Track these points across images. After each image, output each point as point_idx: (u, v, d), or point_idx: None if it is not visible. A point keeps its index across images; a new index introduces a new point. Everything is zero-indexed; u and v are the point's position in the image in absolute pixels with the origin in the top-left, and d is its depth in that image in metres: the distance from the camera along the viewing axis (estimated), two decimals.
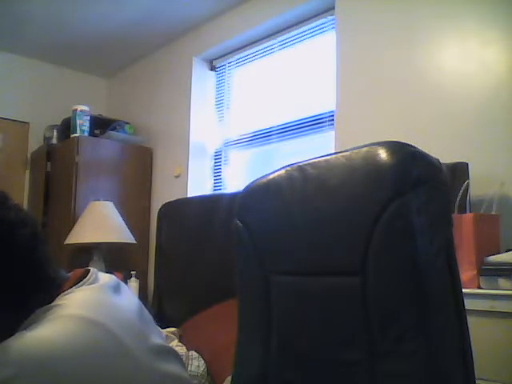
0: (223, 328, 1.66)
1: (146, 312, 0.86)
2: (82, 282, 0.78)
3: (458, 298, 0.73)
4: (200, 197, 2.87)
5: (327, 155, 0.84)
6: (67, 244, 2.96)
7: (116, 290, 0.82)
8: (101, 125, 3.53)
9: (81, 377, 0.64)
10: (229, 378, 1.01)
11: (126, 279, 2.98)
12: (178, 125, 3.48)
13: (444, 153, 1.33)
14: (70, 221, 3.11)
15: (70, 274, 0.83)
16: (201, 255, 2.33)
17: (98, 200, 3.09)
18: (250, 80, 3.27)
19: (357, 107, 2.43)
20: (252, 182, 0.96)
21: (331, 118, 2.61)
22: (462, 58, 2.07)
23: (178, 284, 2.43)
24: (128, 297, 0.85)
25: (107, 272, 0.91)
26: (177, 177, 3.43)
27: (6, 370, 0.61)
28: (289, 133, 2.89)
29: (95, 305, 0.74)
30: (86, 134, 3.39)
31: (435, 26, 2.16)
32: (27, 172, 3.79)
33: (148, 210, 3.58)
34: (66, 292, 0.75)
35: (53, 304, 0.72)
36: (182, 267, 2.42)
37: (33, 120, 3.82)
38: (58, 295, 0.75)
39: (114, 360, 0.68)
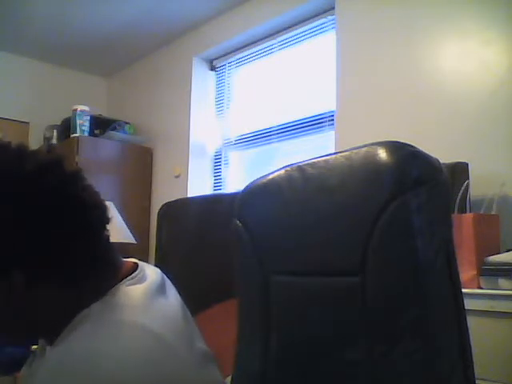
0: (223, 328, 1.66)
1: (187, 310, 0.85)
2: (131, 277, 0.76)
3: (458, 298, 0.73)
4: (200, 197, 2.86)
5: (327, 155, 0.84)
6: None
7: (163, 288, 0.80)
8: (101, 125, 3.53)
9: None
10: (229, 378, 1.00)
11: None
12: (178, 125, 3.48)
13: (444, 153, 1.33)
14: None
15: (125, 262, 0.81)
16: (201, 255, 2.33)
17: None
18: (249, 80, 3.27)
19: (357, 107, 2.43)
20: (252, 182, 0.96)
21: (331, 118, 2.61)
22: (462, 57, 2.07)
23: (177, 284, 2.43)
24: (173, 295, 0.83)
25: None
26: (177, 177, 3.43)
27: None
28: (289, 133, 2.89)
29: (147, 309, 0.72)
30: (86, 134, 3.39)
31: (435, 25, 2.16)
32: None
33: (148, 210, 3.58)
34: (116, 286, 0.74)
35: (106, 300, 0.71)
36: (182, 267, 2.41)
37: (33, 120, 3.82)
38: (114, 285, 0.74)
39: (168, 370, 0.66)
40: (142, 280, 0.77)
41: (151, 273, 0.81)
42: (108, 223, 0.77)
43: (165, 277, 0.84)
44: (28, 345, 0.90)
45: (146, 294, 0.75)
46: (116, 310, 0.70)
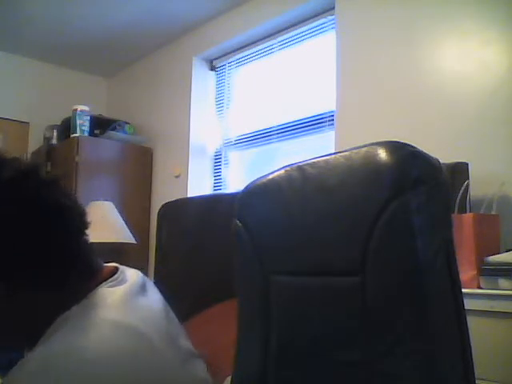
0: (223, 328, 1.66)
1: (171, 311, 0.86)
2: (111, 279, 0.77)
3: (458, 298, 0.73)
4: (200, 197, 2.86)
5: (327, 155, 0.84)
6: None
7: (143, 288, 0.81)
8: (101, 125, 3.53)
9: None
10: (229, 378, 1.01)
11: None
12: (178, 125, 3.48)
13: (444, 153, 1.33)
14: None
15: (104, 266, 0.82)
16: (201, 255, 2.32)
17: (98, 200, 3.09)
18: (249, 80, 3.27)
19: (357, 107, 2.43)
20: (251, 182, 0.96)
21: (331, 118, 2.61)
22: (461, 57, 2.07)
23: (177, 284, 2.43)
24: (154, 295, 0.84)
25: None
26: (177, 177, 3.43)
27: (49, 379, 0.60)
28: (289, 133, 2.89)
29: (128, 308, 0.73)
30: (86, 134, 3.39)
31: (435, 25, 2.16)
32: None
33: (148, 210, 3.58)
34: (96, 289, 0.75)
35: (87, 302, 0.72)
36: (182, 267, 2.41)
37: (33, 120, 3.82)
38: (92, 288, 0.75)
39: (150, 366, 0.67)
40: (122, 282, 0.78)
41: (132, 275, 0.82)
42: (87, 228, 0.79)
43: (146, 279, 0.86)
44: (8, 350, 0.90)
45: (127, 295, 0.76)
46: (97, 310, 0.71)
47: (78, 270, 0.75)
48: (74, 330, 0.67)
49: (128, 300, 0.75)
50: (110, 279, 0.77)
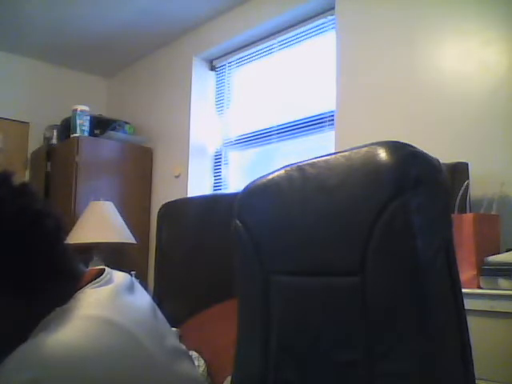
0: (223, 328, 1.66)
1: (159, 312, 0.86)
2: (96, 281, 0.77)
3: (458, 298, 0.73)
4: (200, 197, 2.86)
5: (327, 155, 0.84)
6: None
7: (130, 289, 0.81)
8: (101, 125, 3.53)
9: (103, 379, 0.64)
10: (229, 378, 1.01)
11: None
12: (178, 125, 3.48)
13: (444, 153, 1.33)
14: (70, 221, 3.11)
15: (86, 270, 0.82)
16: (201, 255, 2.33)
17: (98, 200, 3.09)
18: (249, 80, 3.27)
19: (357, 107, 2.43)
20: (251, 182, 0.96)
21: (331, 118, 2.61)
22: (462, 57, 2.07)
23: (178, 284, 2.43)
24: (142, 296, 0.85)
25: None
26: (177, 177, 3.43)
27: (28, 372, 0.60)
28: (289, 133, 2.89)
29: (112, 305, 0.74)
30: (86, 134, 3.39)
31: (435, 25, 2.16)
32: (27, 172, 3.80)
33: (148, 210, 3.58)
34: (81, 291, 0.75)
35: (70, 303, 0.72)
36: (182, 267, 2.42)
37: (33, 120, 3.82)
38: (75, 291, 0.75)
39: (135, 362, 0.68)
40: (108, 282, 0.79)
41: (119, 276, 0.83)
42: (65, 231, 0.79)
43: (135, 280, 0.87)
44: None
45: (112, 293, 0.76)
46: (79, 308, 0.71)
47: (60, 274, 0.75)
48: (53, 328, 0.67)
49: (113, 299, 0.75)
50: (96, 280, 0.78)
